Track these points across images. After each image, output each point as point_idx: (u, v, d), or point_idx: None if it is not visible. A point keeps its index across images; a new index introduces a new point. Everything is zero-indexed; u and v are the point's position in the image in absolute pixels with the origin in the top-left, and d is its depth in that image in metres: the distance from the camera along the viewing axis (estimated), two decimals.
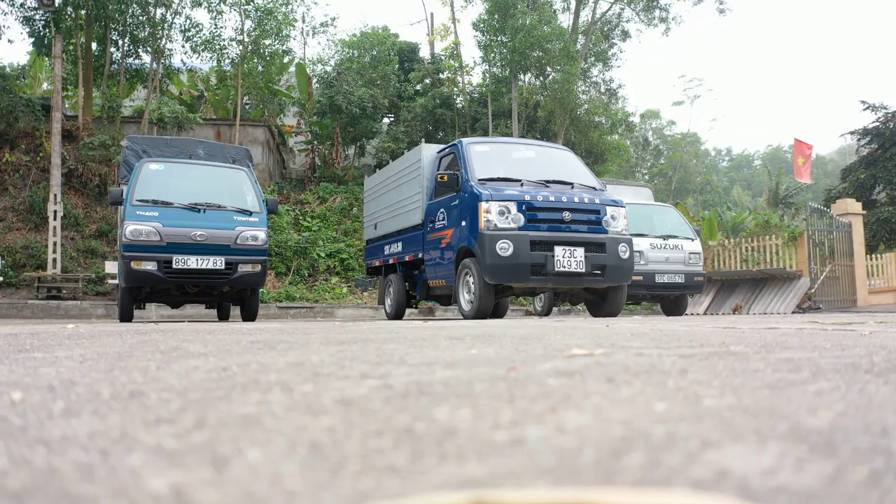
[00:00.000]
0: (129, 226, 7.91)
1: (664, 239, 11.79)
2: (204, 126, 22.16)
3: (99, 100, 22.60)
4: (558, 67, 26.08)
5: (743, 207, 59.33)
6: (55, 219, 15.92)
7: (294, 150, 29.28)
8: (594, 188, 7.80)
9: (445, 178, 7.63)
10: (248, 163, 10.26)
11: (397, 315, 9.71)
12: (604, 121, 30.68)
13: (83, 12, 19.32)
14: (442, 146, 8.70)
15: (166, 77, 23.97)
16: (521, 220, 7.03)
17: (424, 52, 32.13)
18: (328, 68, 27.78)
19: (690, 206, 58.99)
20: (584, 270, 7.07)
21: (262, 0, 22.61)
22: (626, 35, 31.27)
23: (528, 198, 7.10)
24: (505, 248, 6.87)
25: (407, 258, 9.18)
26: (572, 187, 7.67)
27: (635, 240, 11.36)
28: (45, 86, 27.36)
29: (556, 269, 6.96)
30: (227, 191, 8.76)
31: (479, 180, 7.39)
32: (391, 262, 9.91)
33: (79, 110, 21.44)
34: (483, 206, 7.02)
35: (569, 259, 7.00)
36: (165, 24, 21.56)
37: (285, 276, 19.27)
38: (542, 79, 28.04)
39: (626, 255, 7.33)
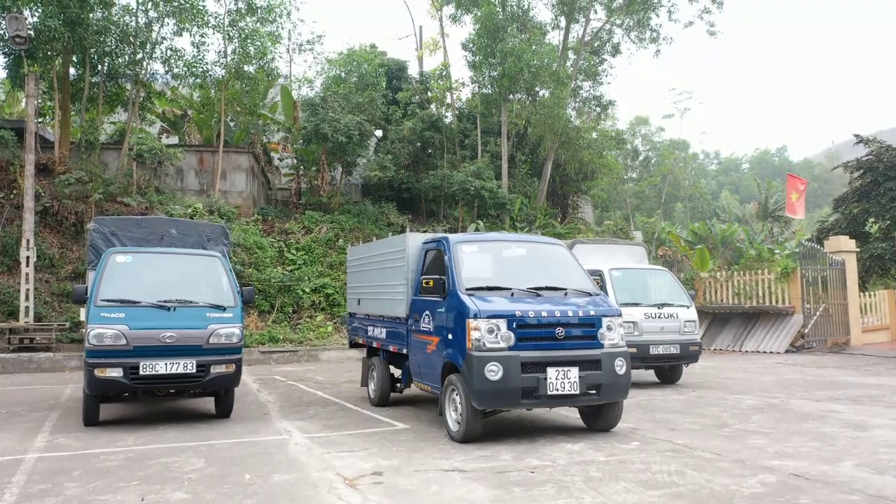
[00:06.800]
0: (93, 329, 7.41)
1: (658, 308, 11.39)
2: (187, 154, 21.58)
3: (77, 120, 21.96)
4: (548, 87, 25.67)
5: (731, 214, 59.35)
6: (28, 265, 15.35)
7: (279, 169, 28.74)
8: (589, 293, 7.36)
9: (431, 283, 7.17)
10: (224, 240, 9.78)
11: (381, 401, 9.25)
12: (595, 136, 30.25)
13: (60, 44, 18.65)
14: (427, 237, 8.24)
15: (148, 101, 23.36)
16: (512, 339, 6.58)
17: (413, 70, 31.64)
18: (314, 91, 27.23)
19: (679, 212, 58.87)
20: (578, 392, 6.65)
21: (244, 23, 21.96)
22: (616, 50, 30.85)
23: (518, 314, 6.64)
24: (494, 371, 6.43)
25: (391, 349, 8.74)
26: (565, 294, 7.23)
27: (629, 310, 11.00)
28: (23, 103, 26.62)
29: (549, 392, 6.53)
30: (199, 283, 8.27)
31: (467, 290, 6.93)
32: (375, 345, 9.46)
33: (56, 137, 20.77)
34: (471, 323, 6.56)
35: (562, 381, 6.57)
36: (145, 53, 20.92)
37: (269, 314, 18.77)
38: (531, 98, 27.58)
39: (623, 371, 6.90)
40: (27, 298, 15.31)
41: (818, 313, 18.72)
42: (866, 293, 20.89)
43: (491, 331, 6.57)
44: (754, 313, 19.49)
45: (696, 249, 23.76)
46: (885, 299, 21.01)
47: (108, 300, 7.63)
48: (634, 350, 10.17)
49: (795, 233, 34.25)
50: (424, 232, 24.07)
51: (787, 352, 18.07)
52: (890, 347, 18.95)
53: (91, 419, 7.83)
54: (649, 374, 12.35)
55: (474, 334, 6.56)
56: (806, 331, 18.44)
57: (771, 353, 18.15)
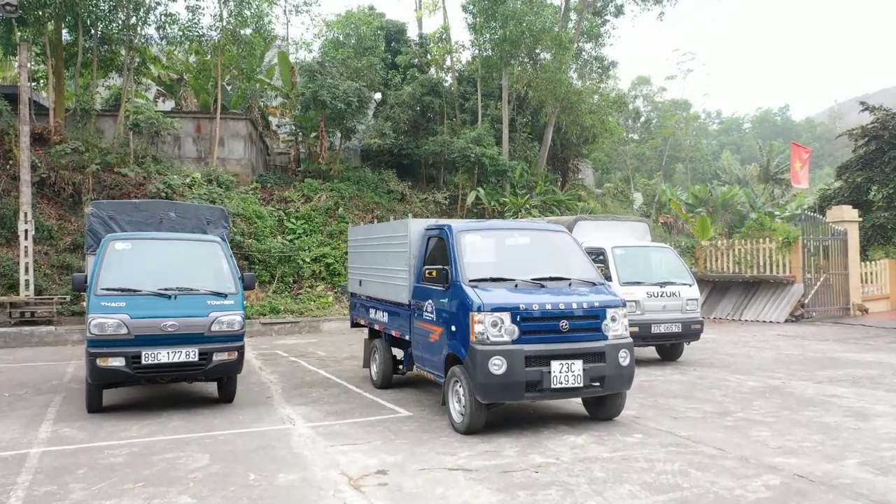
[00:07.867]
0: (94, 319, 7.36)
1: (661, 286, 11.36)
2: (184, 121, 21.30)
3: (72, 85, 21.62)
4: (550, 51, 25.27)
5: (732, 175, 58.83)
6: (26, 238, 15.25)
7: (278, 133, 28.41)
8: (593, 283, 7.30)
9: (434, 273, 7.12)
10: (224, 223, 9.71)
11: (384, 384, 9.27)
12: (596, 99, 29.87)
13: (51, 9, 18.24)
14: (430, 223, 8.14)
15: (143, 66, 22.97)
16: (516, 332, 6.54)
17: (412, 32, 31.10)
18: (312, 54, 26.79)
19: (680, 173, 58.46)
20: (581, 385, 6.63)
21: None
22: (619, 11, 30.31)
23: (523, 306, 6.59)
24: (498, 364, 6.40)
25: (394, 333, 8.72)
26: (569, 284, 7.17)
27: (631, 289, 11.01)
28: (15, 68, 26.18)
29: (553, 385, 6.51)
30: (199, 269, 8.20)
31: (470, 281, 6.87)
32: (377, 328, 9.44)
33: (50, 103, 20.47)
34: (475, 316, 6.52)
35: (566, 374, 6.55)
36: (139, 17, 20.48)
37: (269, 284, 18.74)
38: (532, 62, 27.13)
39: (627, 363, 6.88)
40: (27, 272, 15.25)
41: (819, 283, 18.72)
42: (867, 261, 20.85)
43: (495, 324, 6.53)
44: (755, 282, 19.48)
45: (698, 217, 23.65)
46: (886, 269, 21.00)
47: (109, 289, 7.57)
48: (636, 329, 10.16)
49: (796, 196, 34.09)
50: (425, 198, 24.01)
51: (786, 321, 18.11)
52: (889, 317, 19.01)
53: (94, 406, 7.84)
54: (650, 351, 12.38)
55: (478, 327, 6.52)
56: (806, 300, 18.45)
57: (770, 322, 18.18)
